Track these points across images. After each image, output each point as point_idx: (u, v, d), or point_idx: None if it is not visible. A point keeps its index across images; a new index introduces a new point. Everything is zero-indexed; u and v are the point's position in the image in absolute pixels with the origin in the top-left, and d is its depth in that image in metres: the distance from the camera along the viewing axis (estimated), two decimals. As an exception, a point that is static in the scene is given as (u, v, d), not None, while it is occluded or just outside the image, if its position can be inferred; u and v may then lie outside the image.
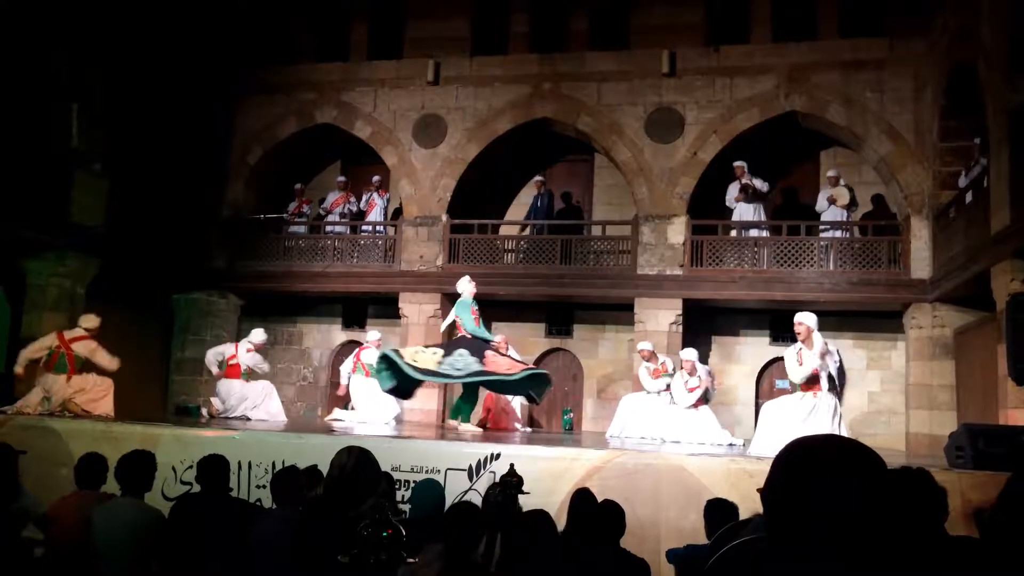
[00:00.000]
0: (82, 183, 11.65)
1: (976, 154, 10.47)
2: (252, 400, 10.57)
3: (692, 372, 9.86)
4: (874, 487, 1.21)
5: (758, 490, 1.37)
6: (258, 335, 11.01)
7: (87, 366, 9.16)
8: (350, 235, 14.10)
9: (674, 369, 10.43)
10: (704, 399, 9.84)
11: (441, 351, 9.28)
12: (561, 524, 5.40)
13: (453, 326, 10.06)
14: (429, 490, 4.15)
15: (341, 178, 14.57)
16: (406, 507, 5.35)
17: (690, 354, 9.96)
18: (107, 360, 9.17)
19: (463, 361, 9.05)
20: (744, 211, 12.60)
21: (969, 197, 10.07)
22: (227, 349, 10.89)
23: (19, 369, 9.12)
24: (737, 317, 13.34)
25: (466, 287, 9.87)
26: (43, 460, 6.81)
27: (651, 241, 12.55)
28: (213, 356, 10.79)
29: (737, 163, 12.52)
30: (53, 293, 11.40)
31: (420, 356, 9.16)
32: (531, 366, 9.88)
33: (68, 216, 11.41)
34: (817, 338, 7.75)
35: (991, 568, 1.46)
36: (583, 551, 3.94)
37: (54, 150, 11.33)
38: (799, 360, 7.69)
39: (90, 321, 9.35)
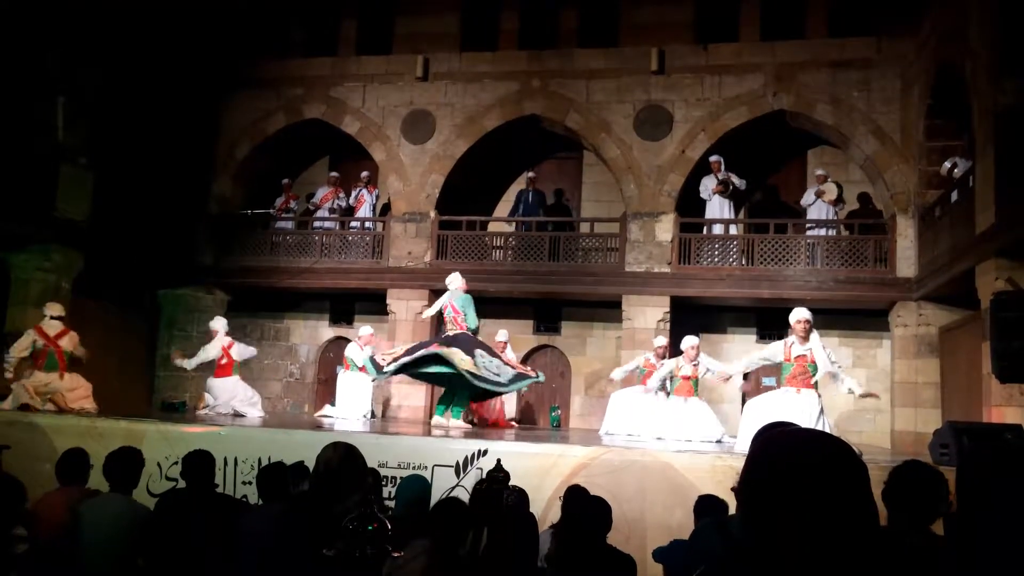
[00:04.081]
0: (68, 177, 11.55)
1: (963, 148, 10.54)
2: (244, 397, 10.52)
3: (691, 359, 9.73)
4: (852, 484, 1.20)
5: (732, 488, 1.37)
6: (218, 322, 10.94)
7: (74, 362, 9.13)
8: (338, 231, 14.05)
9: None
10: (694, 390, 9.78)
11: (462, 352, 9.06)
12: (548, 520, 5.40)
13: (440, 317, 9.96)
14: (414, 485, 4.15)
15: (333, 173, 14.52)
16: (392, 503, 5.34)
17: (689, 341, 9.94)
18: (81, 350, 9.17)
19: (496, 366, 9.04)
20: (719, 206, 12.66)
21: (955, 196, 10.14)
22: (212, 352, 10.72)
23: (10, 373, 9.03)
24: (724, 314, 13.39)
25: (461, 282, 9.81)
26: (27, 456, 6.76)
27: (639, 238, 12.57)
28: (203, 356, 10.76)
29: (713, 158, 12.59)
30: (37, 287, 11.30)
31: (467, 360, 8.99)
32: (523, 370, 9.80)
33: (53, 210, 11.32)
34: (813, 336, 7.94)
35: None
36: (570, 547, 3.95)
37: (40, 143, 11.23)
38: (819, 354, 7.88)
39: (55, 308, 9.34)
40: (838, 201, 12.41)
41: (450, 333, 9.59)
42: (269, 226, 14.10)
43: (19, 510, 4.20)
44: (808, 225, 12.48)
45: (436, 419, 9.70)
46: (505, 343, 11.49)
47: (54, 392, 8.86)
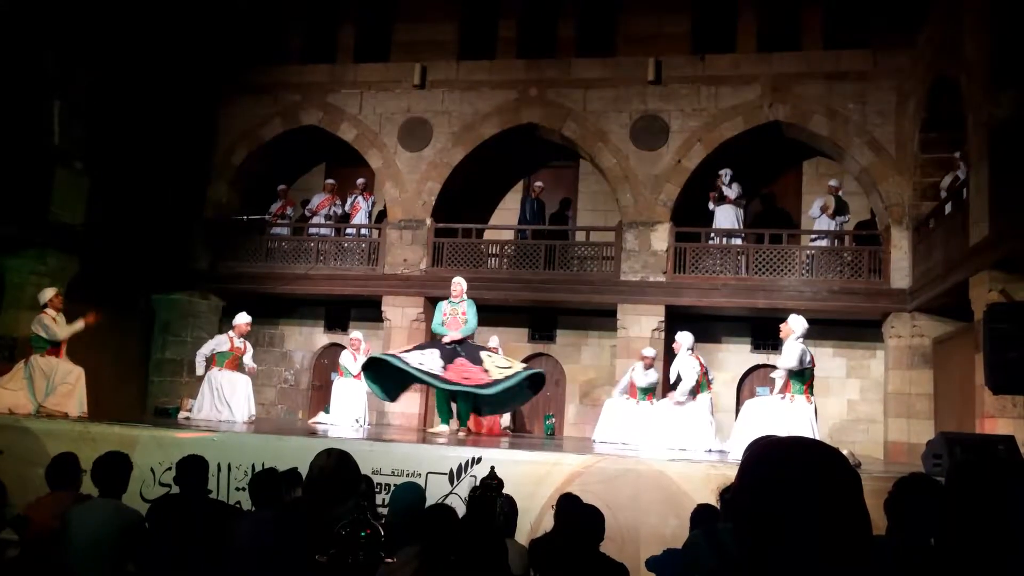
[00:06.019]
0: (63, 180, 11.54)
1: (957, 163, 10.59)
2: (239, 393, 10.39)
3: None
4: (843, 493, 1.21)
5: (721, 494, 1.37)
6: (242, 316, 10.66)
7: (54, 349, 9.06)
8: (334, 237, 14.06)
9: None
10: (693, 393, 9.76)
11: (496, 358, 8.94)
12: (542, 528, 5.40)
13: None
14: (408, 493, 4.14)
15: (330, 180, 14.50)
16: (386, 510, 5.32)
17: (684, 339, 9.97)
18: (55, 327, 8.97)
19: (430, 361, 8.62)
20: (725, 216, 12.69)
21: (949, 208, 10.18)
22: (222, 343, 10.55)
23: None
24: (719, 324, 13.41)
25: (464, 286, 9.58)
26: (20, 460, 6.73)
27: (635, 248, 12.60)
28: (208, 350, 10.45)
29: (722, 172, 12.67)
30: (32, 292, 11.24)
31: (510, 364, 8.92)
32: (505, 377, 8.76)
33: (48, 214, 11.30)
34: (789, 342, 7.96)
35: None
36: (563, 556, 3.94)
37: (35, 146, 11.22)
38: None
39: (44, 294, 9.22)
40: (836, 214, 12.44)
41: (456, 337, 9.18)
42: (265, 232, 14.09)
43: (2, 512, 4.18)
44: (812, 237, 12.51)
45: (440, 427, 9.27)
46: (496, 350, 11.43)
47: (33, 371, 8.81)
